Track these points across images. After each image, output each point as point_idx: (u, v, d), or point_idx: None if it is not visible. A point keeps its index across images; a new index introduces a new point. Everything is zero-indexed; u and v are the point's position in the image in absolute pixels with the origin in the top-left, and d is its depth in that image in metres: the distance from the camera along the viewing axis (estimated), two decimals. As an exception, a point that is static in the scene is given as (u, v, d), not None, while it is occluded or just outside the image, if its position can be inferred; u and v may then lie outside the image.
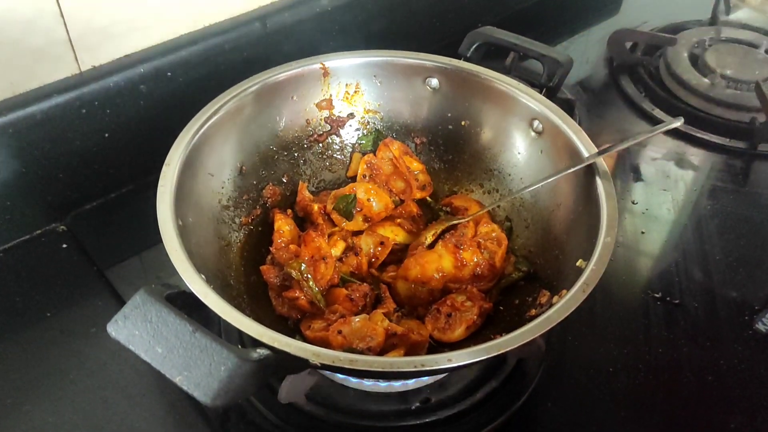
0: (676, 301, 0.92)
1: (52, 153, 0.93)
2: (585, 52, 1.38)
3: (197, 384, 0.54)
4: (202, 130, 0.79)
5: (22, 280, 0.91)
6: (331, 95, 0.94)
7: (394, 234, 0.89)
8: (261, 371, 0.55)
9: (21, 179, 0.92)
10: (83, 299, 0.89)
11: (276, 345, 0.59)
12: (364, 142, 0.97)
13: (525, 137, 0.89)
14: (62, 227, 0.97)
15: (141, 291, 0.58)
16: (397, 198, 0.94)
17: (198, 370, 0.54)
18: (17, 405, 0.77)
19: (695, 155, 1.16)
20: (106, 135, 0.97)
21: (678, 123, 0.79)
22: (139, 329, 0.56)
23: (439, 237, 0.87)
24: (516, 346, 0.61)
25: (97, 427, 0.76)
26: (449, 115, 0.95)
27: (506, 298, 0.84)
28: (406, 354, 0.73)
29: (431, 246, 0.86)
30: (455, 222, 0.88)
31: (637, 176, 1.11)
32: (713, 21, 1.41)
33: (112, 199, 1.02)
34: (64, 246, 0.95)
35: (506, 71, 1.04)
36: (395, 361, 0.59)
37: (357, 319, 0.72)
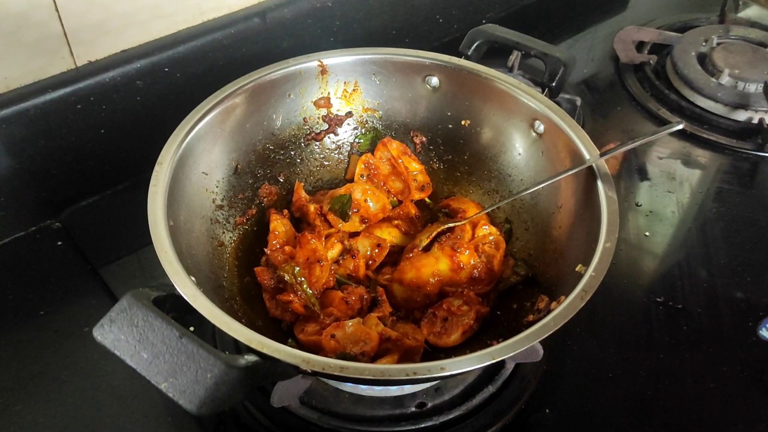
0: (679, 306, 0.90)
1: (47, 149, 0.92)
2: (590, 51, 1.36)
3: (183, 391, 0.53)
4: (196, 129, 0.78)
5: (16, 277, 0.90)
6: (329, 93, 0.92)
7: (391, 235, 0.88)
8: (249, 378, 0.54)
9: (15, 175, 0.91)
10: (77, 298, 0.88)
11: (265, 351, 0.57)
12: (362, 141, 0.95)
13: (526, 138, 0.88)
14: (57, 224, 0.97)
15: (128, 294, 0.57)
16: (395, 199, 0.93)
17: (184, 376, 0.53)
18: (8, 405, 0.77)
19: (701, 156, 1.14)
20: (102, 131, 0.96)
21: (678, 127, 0.78)
22: (125, 334, 0.55)
23: (435, 239, 0.85)
24: (511, 354, 0.59)
25: (88, 428, 0.76)
26: (449, 114, 0.93)
27: (504, 302, 0.82)
28: (401, 359, 0.72)
29: (426, 249, 0.84)
30: (451, 225, 0.87)
31: (642, 177, 1.10)
32: (722, 19, 1.39)
33: (108, 196, 1.02)
34: (59, 243, 0.94)
35: (509, 70, 1.02)
36: (387, 368, 0.58)
37: (350, 324, 0.71)
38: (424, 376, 0.57)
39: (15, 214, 0.93)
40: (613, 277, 0.92)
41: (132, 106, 0.97)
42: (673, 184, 1.08)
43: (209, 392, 0.52)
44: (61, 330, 0.84)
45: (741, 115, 1.18)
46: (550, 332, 0.61)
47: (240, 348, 0.79)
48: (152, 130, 0.86)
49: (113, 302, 0.84)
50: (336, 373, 0.57)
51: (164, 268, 0.64)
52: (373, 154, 0.93)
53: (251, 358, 0.56)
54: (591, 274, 0.66)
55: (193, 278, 0.64)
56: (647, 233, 1.00)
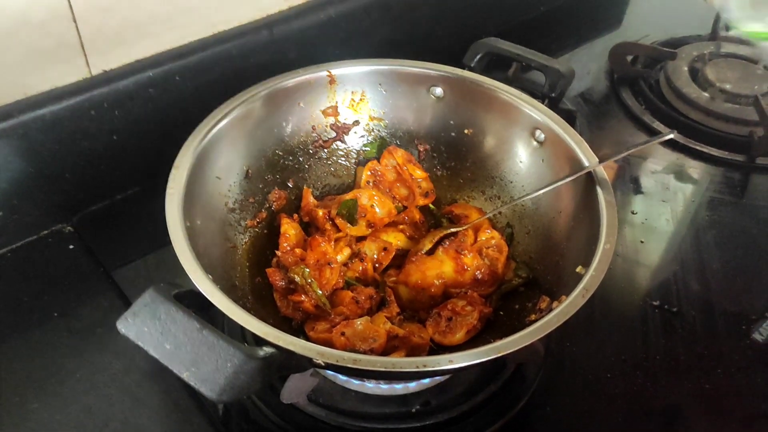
0: (674, 310, 0.93)
1: (61, 154, 0.94)
2: (586, 65, 1.39)
3: (204, 380, 0.55)
4: (211, 134, 0.81)
5: (29, 280, 0.92)
6: (336, 102, 0.95)
7: (397, 239, 0.90)
8: (266, 369, 0.57)
9: (29, 180, 0.93)
10: (89, 299, 0.90)
11: (281, 343, 0.60)
12: (368, 149, 0.98)
13: (527, 146, 0.91)
14: (69, 228, 0.99)
15: (150, 289, 0.59)
16: (400, 204, 0.95)
17: (205, 366, 0.55)
18: (24, 403, 0.78)
19: (694, 167, 1.17)
20: (115, 137, 0.98)
21: (671, 135, 0.81)
22: (148, 326, 0.57)
23: (438, 243, 0.88)
24: (516, 348, 0.62)
25: (101, 425, 0.77)
26: (452, 123, 0.96)
27: (506, 303, 0.85)
28: (407, 356, 0.74)
29: (430, 252, 0.87)
30: (454, 229, 0.89)
31: (637, 188, 1.13)
32: (713, 36, 1.43)
33: (119, 200, 1.04)
34: (71, 247, 0.96)
35: (509, 81, 1.05)
36: (397, 361, 0.61)
37: (360, 322, 0.73)
38: (433, 369, 0.60)
39: (28, 217, 0.95)
40: (610, 282, 0.95)
41: (144, 114, 0.99)
42: (668, 194, 1.11)
43: (229, 381, 0.54)
44: (75, 330, 0.86)
45: (732, 128, 1.21)
46: (553, 328, 0.64)
47: (249, 344, 0.81)
48: (163, 137, 0.89)
49: (125, 303, 0.88)
50: (349, 365, 0.59)
51: (183, 265, 0.66)
52: (379, 161, 0.96)
53: (268, 349, 0.58)
54: (591, 274, 0.69)
55: (210, 276, 0.66)
56: (642, 240, 1.03)
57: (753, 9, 0.65)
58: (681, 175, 1.15)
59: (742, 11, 0.64)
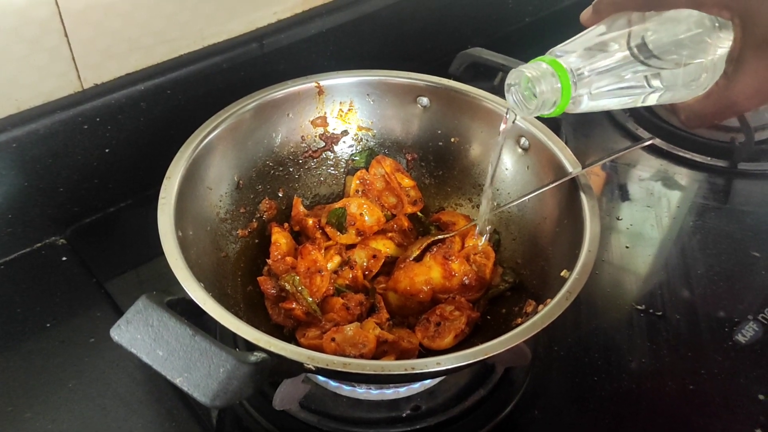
0: (659, 313, 0.94)
1: (54, 167, 0.95)
2: (572, 74, 1.41)
3: (197, 385, 0.56)
4: (202, 145, 0.82)
5: (23, 291, 0.93)
6: (325, 113, 0.97)
7: (386, 247, 0.92)
8: (258, 373, 0.58)
9: (23, 193, 0.94)
10: (82, 310, 0.91)
11: (272, 348, 0.61)
12: (357, 158, 1.00)
13: (512, 153, 0.92)
14: (62, 240, 1.00)
15: (143, 297, 0.60)
16: (389, 212, 0.97)
17: (198, 371, 0.56)
18: (18, 413, 0.79)
19: (678, 173, 1.19)
20: (107, 150, 0.99)
21: (651, 141, 0.83)
22: (141, 333, 0.58)
23: (426, 250, 0.89)
24: (501, 350, 0.63)
25: (95, 433, 0.78)
26: (439, 132, 0.98)
27: (493, 308, 0.86)
28: (397, 360, 0.75)
29: (417, 259, 0.88)
30: (441, 237, 0.91)
31: (623, 194, 1.14)
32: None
33: (112, 213, 1.05)
34: (64, 259, 0.97)
35: (494, 90, 1.07)
36: (386, 364, 0.62)
37: (350, 328, 0.75)
38: (420, 371, 0.61)
39: (22, 230, 0.96)
40: (596, 286, 0.97)
41: (136, 127, 1.01)
42: (652, 200, 1.13)
43: (222, 386, 0.55)
44: (68, 341, 0.87)
45: (714, 134, 1.23)
46: (539, 330, 0.65)
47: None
48: (154, 149, 0.90)
49: (118, 314, 0.89)
50: (339, 369, 0.60)
51: (175, 274, 0.67)
52: (367, 170, 0.98)
53: (260, 354, 0.59)
54: (575, 277, 0.70)
55: (201, 284, 0.68)
56: (628, 246, 1.05)
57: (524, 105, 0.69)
58: (665, 181, 1.17)
59: (521, 108, 0.68)
